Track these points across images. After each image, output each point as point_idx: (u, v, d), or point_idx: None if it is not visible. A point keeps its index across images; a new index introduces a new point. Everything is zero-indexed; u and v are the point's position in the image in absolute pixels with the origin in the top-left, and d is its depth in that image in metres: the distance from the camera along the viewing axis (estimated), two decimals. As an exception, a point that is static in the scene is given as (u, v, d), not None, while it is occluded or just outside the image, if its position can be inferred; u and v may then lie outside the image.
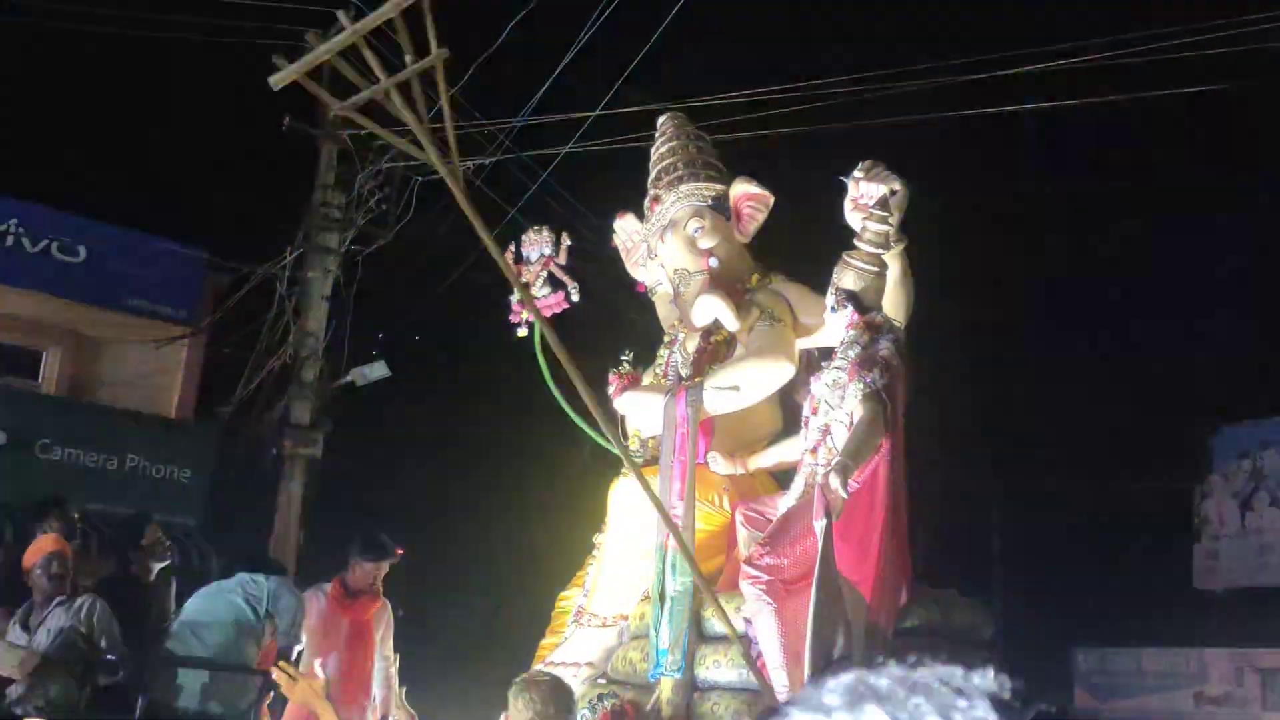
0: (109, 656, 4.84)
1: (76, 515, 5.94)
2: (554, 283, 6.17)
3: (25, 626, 5.13)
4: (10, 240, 10.18)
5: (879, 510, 4.45)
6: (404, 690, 6.21)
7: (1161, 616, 13.96)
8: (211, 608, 5.53)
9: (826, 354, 5.14)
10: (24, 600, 5.27)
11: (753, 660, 4.62)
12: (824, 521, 4.26)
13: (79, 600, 5.06)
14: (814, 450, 4.80)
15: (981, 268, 12.79)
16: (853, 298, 4.85)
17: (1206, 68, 7.24)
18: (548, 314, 6.11)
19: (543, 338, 6.01)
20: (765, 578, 4.63)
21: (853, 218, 5.01)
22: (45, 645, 4.90)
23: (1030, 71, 7.67)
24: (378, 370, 10.42)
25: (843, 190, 5.10)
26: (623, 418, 6.06)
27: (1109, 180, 12.82)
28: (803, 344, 5.62)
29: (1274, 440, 14.31)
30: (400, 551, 6.51)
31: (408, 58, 3.90)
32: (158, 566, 5.93)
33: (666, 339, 6.15)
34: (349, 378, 10.48)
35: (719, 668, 4.96)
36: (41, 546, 5.29)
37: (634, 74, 8.76)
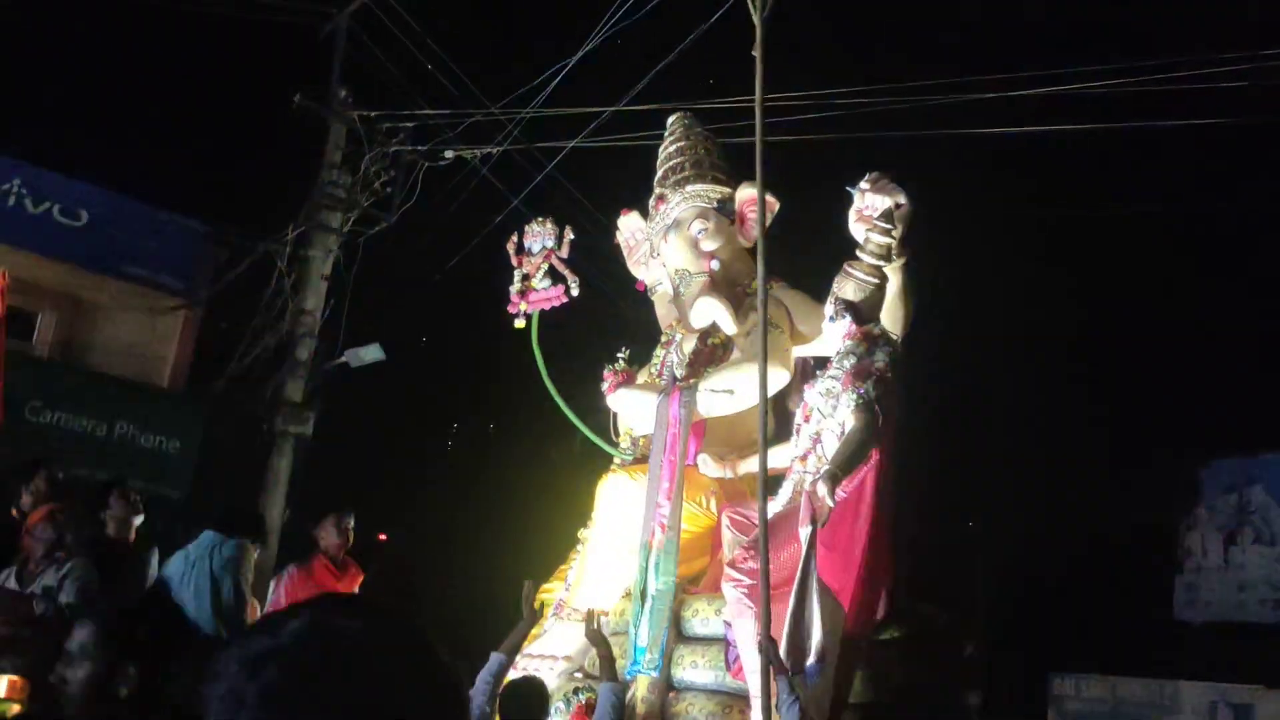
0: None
1: (61, 478, 5.94)
2: (554, 276, 6.19)
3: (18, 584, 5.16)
4: (12, 200, 10.16)
5: (864, 521, 4.45)
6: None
7: (1139, 646, 13.98)
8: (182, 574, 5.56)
9: (822, 363, 5.15)
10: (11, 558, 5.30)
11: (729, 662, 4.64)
12: (809, 528, 4.27)
13: (69, 562, 5.07)
14: (804, 457, 4.81)
15: (977, 286, 12.80)
16: (851, 308, 4.86)
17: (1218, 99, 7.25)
18: (546, 307, 6.14)
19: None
20: (748, 581, 4.64)
21: (856, 228, 5.02)
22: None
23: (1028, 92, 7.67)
24: (372, 353, 10.40)
25: (848, 200, 5.11)
26: (615, 415, 6.08)
27: (1110, 206, 12.81)
28: (799, 351, 5.63)
29: (1262, 476, 14.33)
30: (382, 537, 6.55)
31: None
32: (136, 521, 5.92)
33: (663, 339, 6.16)
34: (343, 358, 10.47)
35: (696, 669, 4.97)
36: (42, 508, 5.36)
37: (648, 73, 8.75)
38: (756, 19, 4.61)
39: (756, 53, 4.65)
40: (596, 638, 4.62)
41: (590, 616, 4.71)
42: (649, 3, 8.15)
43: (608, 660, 4.53)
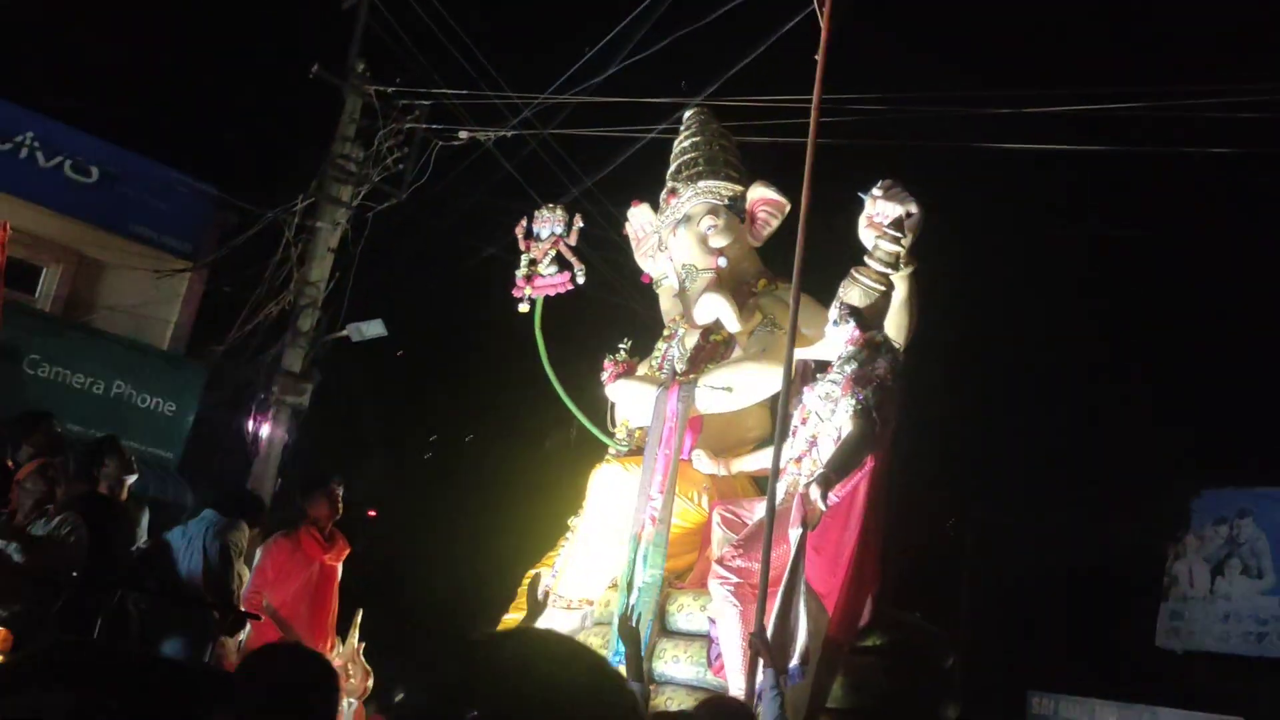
0: (74, 574, 4.84)
1: (59, 432, 5.95)
2: (561, 263, 6.19)
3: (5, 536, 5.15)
4: (24, 153, 10.16)
5: (854, 527, 4.45)
6: (363, 645, 6.21)
7: (1119, 669, 14.02)
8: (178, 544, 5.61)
9: (823, 366, 5.14)
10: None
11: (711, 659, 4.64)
12: (799, 531, 4.27)
13: (59, 516, 5.07)
14: (799, 459, 4.80)
15: (978, 303, 12.77)
16: (856, 314, 4.85)
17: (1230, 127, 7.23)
18: (551, 293, 6.13)
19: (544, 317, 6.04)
20: (735, 579, 4.64)
21: (866, 235, 5.00)
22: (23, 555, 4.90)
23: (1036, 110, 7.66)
24: (374, 328, 10.40)
25: (860, 206, 5.10)
26: (612, 405, 6.08)
27: (1117, 227, 12.80)
28: (801, 354, 5.62)
29: (1253, 509, 14.35)
30: (373, 513, 6.56)
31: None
32: (129, 480, 5.92)
33: (666, 332, 6.15)
34: (344, 332, 10.46)
35: (677, 663, 4.98)
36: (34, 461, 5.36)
37: (670, 67, 8.74)
38: (823, 21, 4.58)
39: (819, 56, 4.62)
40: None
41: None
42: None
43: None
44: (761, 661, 4.09)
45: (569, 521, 6.05)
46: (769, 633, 4.11)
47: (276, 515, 9.42)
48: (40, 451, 5.63)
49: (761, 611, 4.14)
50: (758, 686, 4.07)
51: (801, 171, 4.71)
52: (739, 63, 8.13)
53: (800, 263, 4.58)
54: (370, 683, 6.19)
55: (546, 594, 4.34)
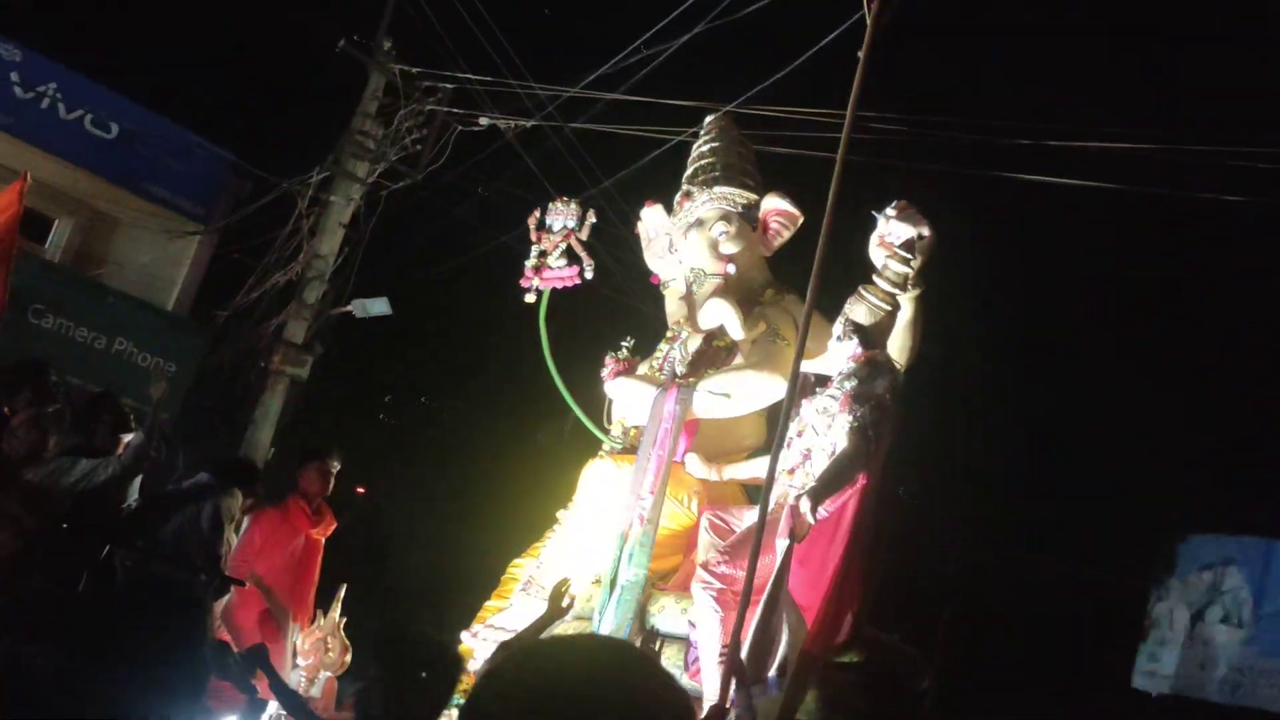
0: (63, 525, 4.86)
1: (54, 379, 5.95)
2: (571, 256, 6.21)
3: None
4: (46, 103, 10.17)
5: (840, 543, 4.46)
6: (343, 620, 6.24)
7: (1092, 709, 14.02)
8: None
9: (823, 380, 5.16)
10: None
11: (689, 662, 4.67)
12: (786, 542, 4.29)
13: (53, 463, 5.10)
14: (791, 471, 4.83)
15: (972, 332, 12.77)
16: (860, 331, 4.87)
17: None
18: (559, 285, 6.15)
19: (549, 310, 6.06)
20: (718, 585, 4.66)
21: (876, 254, 5.01)
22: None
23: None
24: (379, 306, 10.42)
25: (872, 224, 5.11)
26: (610, 402, 6.10)
27: (1126, 268, 12.79)
28: (802, 367, 5.64)
29: (1238, 558, 14.33)
30: (362, 490, 6.60)
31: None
32: (125, 438, 5.94)
33: (669, 334, 6.17)
34: (349, 307, 10.49)
35: (654, 664, 4.99)
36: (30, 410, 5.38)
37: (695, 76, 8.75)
38: (869, 17, 4.55)
39: (861, 53, 4.60)
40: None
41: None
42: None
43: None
44: (735, 681, 4.10)
45: (557, 514, 6.07)
46: (749, 641, 4.13)
47: (266, 486, 9.45)
48: (36, 400, 5.65)
49: (741, 620, 4.16)
50: (732, 695, 4.09)
51: (822, 189, 4.69)
52: (767, 74, 8.12)
53: (820, 264, 4.55)
54: (348, 657, 6.22)
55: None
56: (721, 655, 4.41)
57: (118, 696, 2.45)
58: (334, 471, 6.72)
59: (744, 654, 4.17)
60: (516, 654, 1.23)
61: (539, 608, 5.48)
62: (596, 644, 1.27)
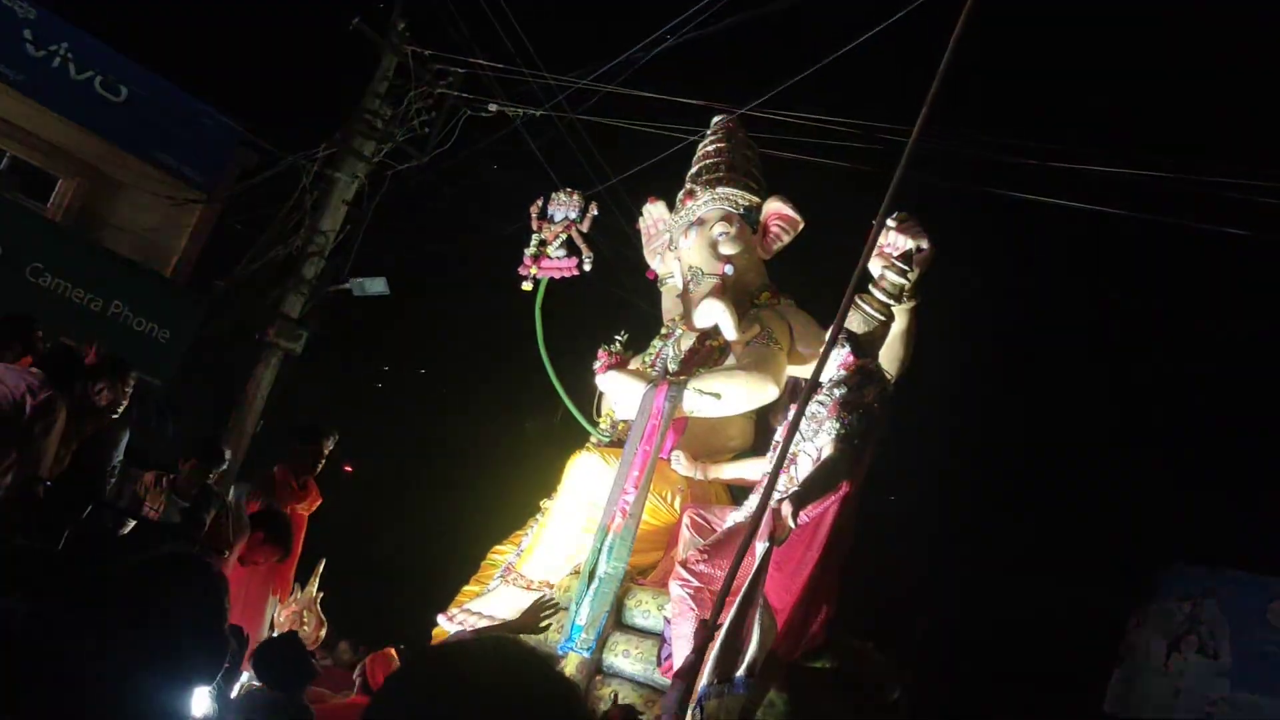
0: (46, 483, 4.87)
1: (39, 335, 5.93)
2: (571, 247, 6.22)
3: None
4: (57, 62, 10.15)
5: (816, 549, 4.47)
6: (320, 595, 6.25)
7: (1063, 729, 14.06)
8: None
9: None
10: None
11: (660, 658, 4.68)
12: (766, 545, 4.30)
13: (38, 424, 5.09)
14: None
15: (960, 354, 12.76)
16: (853, 339, 4.89)
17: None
18: (557, 275, 6.16)
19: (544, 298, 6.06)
20: (695, 583, 4.68)
21: (874, 264, 5.03)
22: None
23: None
24: (377, 286, 10.40)
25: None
26: (600, 395, 6.11)
27: (1114, 295, 12.81)
28: (793, 371, 5.66)
29: (1219, 590, 14.36)
30: (350, 469, 6.61)
31: None
32: (122, 404, 5.93)
33: (663, 331, 6.19)
34: (347, 284, 10.48)
35: (627, 658, 5.02)
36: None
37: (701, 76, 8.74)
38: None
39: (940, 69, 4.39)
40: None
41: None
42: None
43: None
44: (705, 667, 4.10)
45: (541, 503, 6.09)
46: (720, 639, 4.15)
47: (255, 458, 9.46)
48: (27, 354, 5.64)
49: (716, 616, 4.17)
50: (699, 691, 4.10)
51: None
52: (782, 78, 8.12)
53: (858, 273, 4.53)
54: (323, 632, 6.23)
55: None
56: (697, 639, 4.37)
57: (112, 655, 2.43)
58: (328, 447, 6.74)
59: (714, 652, 4.18)
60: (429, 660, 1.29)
61: (516, 595, 5.51)
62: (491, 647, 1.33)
